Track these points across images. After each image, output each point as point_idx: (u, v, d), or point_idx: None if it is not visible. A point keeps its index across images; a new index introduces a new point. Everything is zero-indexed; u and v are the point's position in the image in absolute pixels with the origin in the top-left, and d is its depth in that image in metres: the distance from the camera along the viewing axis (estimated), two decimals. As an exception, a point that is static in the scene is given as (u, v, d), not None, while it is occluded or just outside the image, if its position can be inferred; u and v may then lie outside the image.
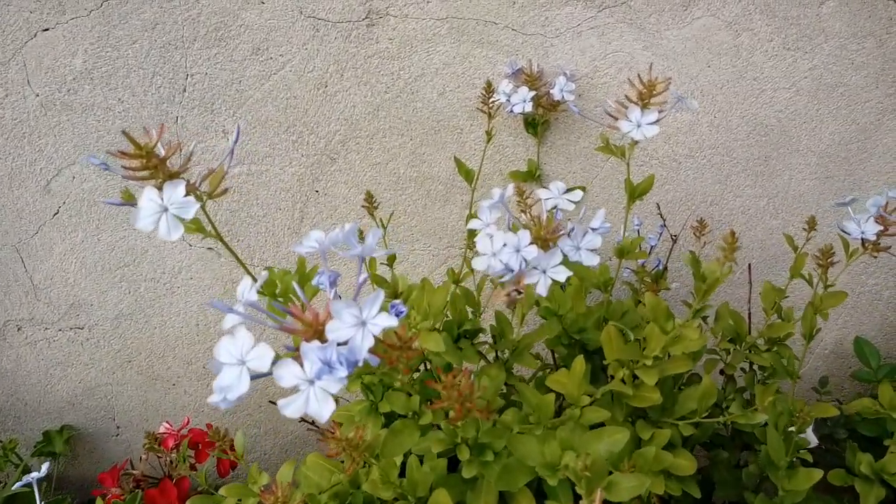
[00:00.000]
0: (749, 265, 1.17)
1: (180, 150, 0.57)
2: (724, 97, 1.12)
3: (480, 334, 0.82)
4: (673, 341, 0.62)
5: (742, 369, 1.07)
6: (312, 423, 1.10)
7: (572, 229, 0.70)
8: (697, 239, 1.08)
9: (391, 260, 0.89)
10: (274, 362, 0.42)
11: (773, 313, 0.97)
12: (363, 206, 0.87)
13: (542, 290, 0.65)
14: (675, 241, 1.10)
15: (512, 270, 0.67)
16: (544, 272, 0.66)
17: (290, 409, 0.41)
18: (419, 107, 1.09)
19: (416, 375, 0.93)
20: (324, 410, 0.41)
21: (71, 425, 1.29)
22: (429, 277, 1.24)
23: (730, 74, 1.10)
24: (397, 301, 0.47)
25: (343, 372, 0.40)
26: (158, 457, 1.12)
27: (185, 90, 1.04)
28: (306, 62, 1.04)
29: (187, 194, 0.51)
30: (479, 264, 0.67)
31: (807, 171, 1.18)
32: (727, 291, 1.22)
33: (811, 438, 0.93)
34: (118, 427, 1.30)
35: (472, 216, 0.94)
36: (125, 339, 1.22)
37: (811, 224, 0.91)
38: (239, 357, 0.43)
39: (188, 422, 1.11)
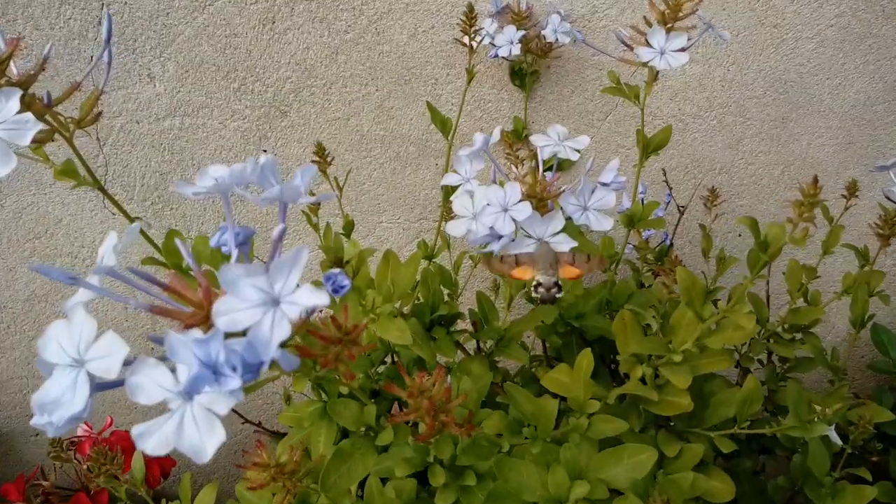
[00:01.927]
0: (768, 240, 1.03)
1: (22, 50, 0.39)
2: (739, 47, 0.97)
3: (458, 320, 0.66)
4: (711, 332, 0.47)
5: (760, 361, 0.93)
6: (259, 423, 0.94)
7: (578, 184, 0.54)
8: (708, 210, 0.93)
9: (348, 228, 0.72)
10: (131, 361, 0.26)
11: (798, 296, 0.83)
12: (313, 161, 0.71)
13: (540, 262, 0.49)
14: (682, 213, 0.96)
15: (499, 236, 0.51)
16: (541, 241, 0.50)
17: (152, 440, 0.25)
18: (386, 50, 0.92)
19: (380, 369, 0.77)
20: (207, 443, 0.24)
21: (-21, 425, 1.10)
22: (398, 254, 1.08)
23: (747, 19, 0.95)
24: (336, 271, 0.31)
25: (235, 382, 0.24)
26: (76, 463, 0.94)
27: (100, 23, 0.86)
28: (249, -9, 0.86)
29: (23, 110, 0.33)
30: (456, 228, 0.51)
31: (827, 136, 1.04)
32: (737, 271, 1.08)
33: (834, 438, 0.79)
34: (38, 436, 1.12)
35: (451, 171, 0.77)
36: (40, 323, 1.04)
37: (852, 189, 0.76)
38: (75, 354, 0.27)
39: (111, 422, 0.94)
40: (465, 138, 0.98)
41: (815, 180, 0.37)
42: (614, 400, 0.55)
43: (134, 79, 0.89)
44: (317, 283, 0.42)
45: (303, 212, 0.81)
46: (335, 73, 0.92)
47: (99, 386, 0.26)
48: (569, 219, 0.51)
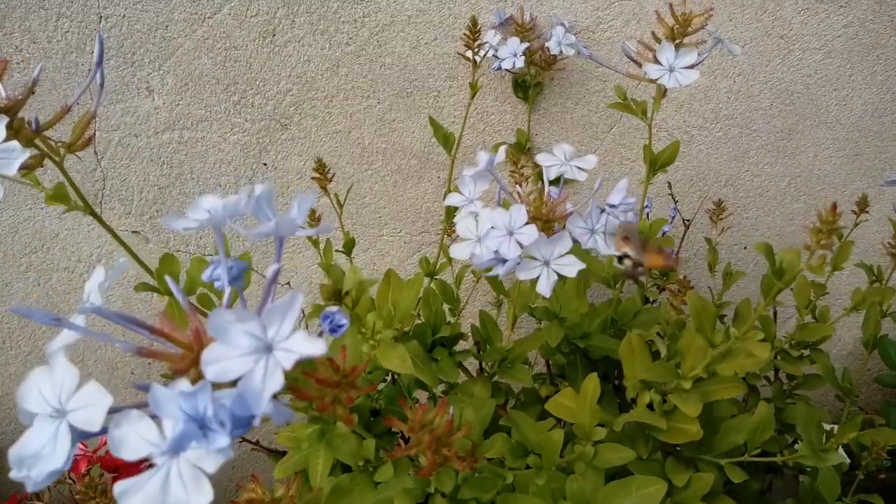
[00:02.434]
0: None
1: (18, 64, 0.38)
2: (746, 58, 0.95)
3: (461, 340, 0.65)
4: (722, 358, 0.45)
5: (767, 378, 0.91)
6: (256, 441, 0.92)
7: (586, 206, 0.53)
8: (714, 224, 0.92)
9: (348, 246, 0.71)
10: (117, 409, 0.25)
11: (806, 313, 0.81)
12: (313, 178, 0.69)
13: (545, 288, 0.47)
14: (687, 227, 0.94)
15: (504, 260, 0.50)
16: (547, 264, 0.49)
17: (136, 498, 0.23)
18: (388, 63, 0.91)
19: (380, 387, 0.75)
20: (193, 502, 0.23)
21: (-25, 440, 1.09)
22: (399, 268, 1.06)
23: (754, 30, 0.94)
24: (333, 309, 0.30)
25: (223, 439, 0.23)
26: (71, 483, 0.93)
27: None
28: (249, 3, 0.85)
29: (10, 137, 0.32)
30: (460, 252, 0.50)
31: (834, 147, 1.02)
32: (742, 285, 1.07)
33: (842, 455, 0.77)
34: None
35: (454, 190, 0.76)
36: (35, 339, 1.02)
37: (862, 205, 0.75)
38: (56, 403, 0.25)
39: (106, 441, 0.92)
40: (467, 151, 0.97)
41: (834, 207, 0.35)
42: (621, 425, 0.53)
43: (132, 92, 0.88)
44: (314, 312, 0.41)
45: (300, 227, 0.80)
46: (336, 85, 0.91)
47: (82, 436, 0.25)
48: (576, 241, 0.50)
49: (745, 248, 1.08)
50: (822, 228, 0.35)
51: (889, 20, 0.95)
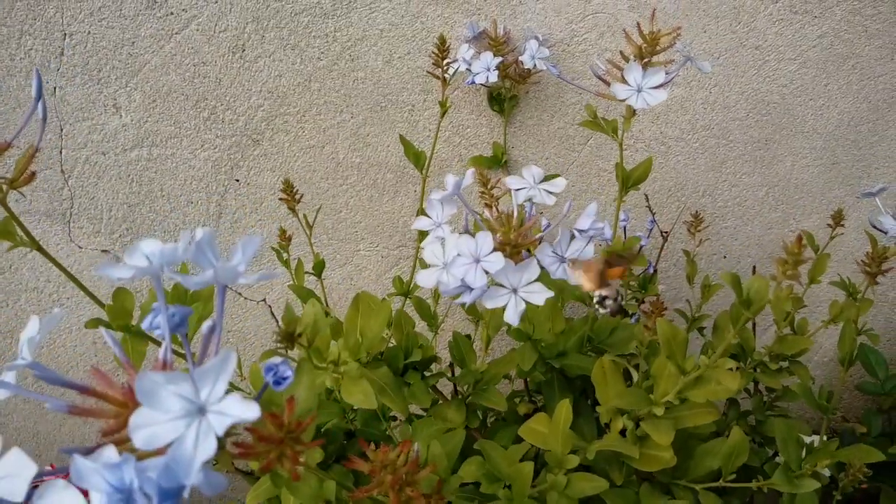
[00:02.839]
0: (754, 267, 1.01)
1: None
2: (721, 69, 0.95)
3: (434, 363, 0.64)
4: (694, 384, 0.45)
5: (746, 390, 0.91)
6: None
7: (548, 229, 0.52)
8: (692, 236, 0.91)
9: (318, 268, 0.69)
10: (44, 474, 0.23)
11: (785, 325, 0.81)
12: (280, 199, 0.68)
13: (512, 317, 0.46)
14: (665, 240, 0.94)
15: (469, 288, 0.49)
16: (515, 292, 0.48)
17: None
18: (361, 77, 0.89)
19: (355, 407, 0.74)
20: (123, 578, 0.22)
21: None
22: (377, 282, 1.05)
23: (728, 42, 0.93)
24: (277, 360, 0.28)
25: (150, 515, 0.21)
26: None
27: (62, 53, 0.83)
28: (217, 19, 0.84)
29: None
30: (426, 279, 0.49)
31: (811, 157, 1.02)
32: (722, 294, 1.07)
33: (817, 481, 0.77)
34: None
35: (421, 212, 0.75)
36: (5, 360, 1.00)
37: (837, 219, 0.74)
38: (-21, 473, 0.24)
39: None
40: (443, 164, 0.96)
41: (800, 239, 0.35)
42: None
43: (99, 109, 0.86)
44: (267, 356, 0.39)
45: (273, 248, 0.78)
46: (309, 100, 0.90)
47: (6, 506, 0.23)
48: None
49: (725, 257, 1.08)
50: (788, 259, 0.35)
51: (863, 30, 0.95)
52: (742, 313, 0.39)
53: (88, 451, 0.23)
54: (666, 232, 0.93)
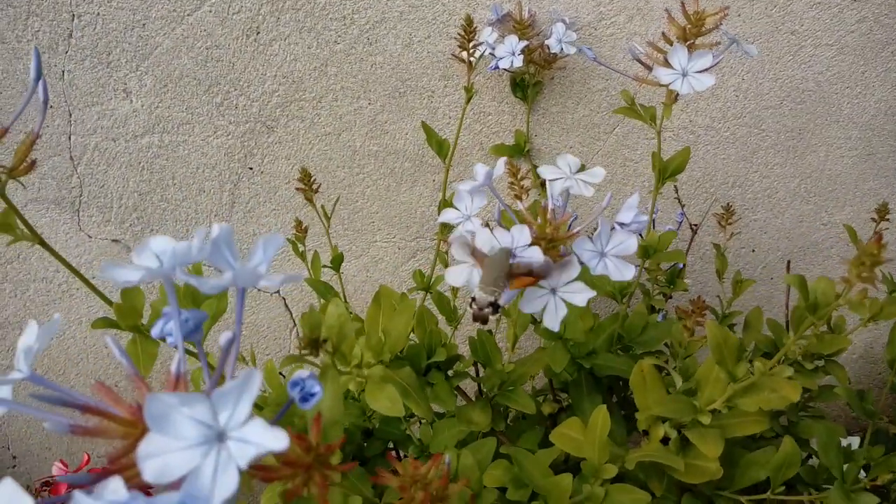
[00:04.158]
0: (788, 263, 0.97)
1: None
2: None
3: (458, 362, 0.61)
4: (744, 391, 0.41)
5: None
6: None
7: (573, 220, 0.48)
8: (723, 229, 0.88)
9: (336, 262, 0.66)
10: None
11: (822, 323, 0.77)
12: (297, 189, 0.65)
13: (552, 322, 0.43)
14: (694, 233, 0.90)
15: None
16: (554, 292, 0.45)
17: None
18: (379, 62, 0.86)
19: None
20: None
21: (-47, 456, 1.05)
22: (393, 274, 1.02)
23: (763, 26, 0.89)
24: (304, 374, 0.25)
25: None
26: None
27: (70, 35, 0.80)
28: (231, 0, 0.80)
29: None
30: (456, 277, 0.46)
31: (846, 147, 0.98)
32: (750, 290, 1.03)
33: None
34: (14, 458, 1.07)
35: (446, 204, 0.71)
36: (14, 351, 0.98)
37: (882, 212, 0.71)
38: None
39: (88, 460, 0.88)
40: (463, 153, 0.92)
41: (880, 238, 0.31)
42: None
43: (109, 94, 0.83)
44: (288, 361, 0.36)
45: (288, 240, 0.75)
46: (325, 85, 0.86)
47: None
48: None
49: (753, 250, 1.04)
50: (865, 261, 0.31)
51: (905, 14, 0.91)
52: (806, 317, 0.36)
53: (93, 481, 0.20)
54: (695, 225, 0.90)
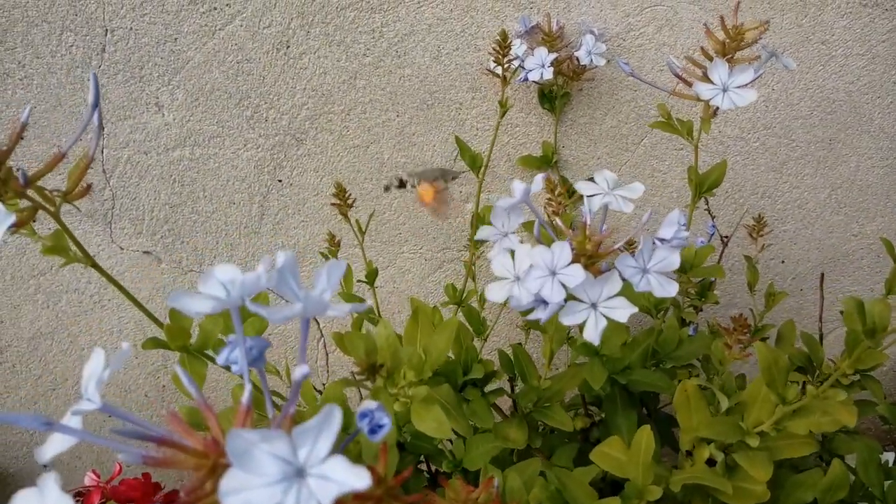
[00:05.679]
0: (822, 275, 0.96)
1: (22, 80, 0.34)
2: (785, 64, 0.90)
3: (494, 379, 0.61)
4: (795, 414, 0.41)
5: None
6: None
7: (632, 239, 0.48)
8: (754, 241, 0.87)
9: (371, 277, 0.66)
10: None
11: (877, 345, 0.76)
12: (332, 204, 0.65)
13: (593, 335, 0.43)
14: (725, 245, 0.89)
15: (545, 303, 0.46)
16: (594, 307, 0.44)
17: None
18: (407, 74, 0.86)
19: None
20: None
21: (-15, 465, 1.06)
22: (420, 286, 1.02)
23: (794, 36, 0.88)
24: (372, 405, 0.25)
25: None
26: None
27: (104, 50, 0.81)
28: (262, 14, 0.81)
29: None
30: (496, 293, 0.46)
31: (877, 157, 0.97)
32: (786, 303, 1.02)
33: None
34: (45, 467, 1.08)
35: (479, 219, 0.71)
36: (46, 362, 0.99)
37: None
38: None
39: (120, 470, 0.89)
40: (491, 164, 0.92)
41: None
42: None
43: (141, 108, 0.84)
44: (341, 385, 0.36)
45: (321, 253, 0.75)
46: (354, 98, 0.87)
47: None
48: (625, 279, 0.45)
49: (783, 262, 1.03)
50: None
51: (938, 22, 0.90)
52: (861, 341, 0.35)
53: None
54: (726, 237, 0.89)
